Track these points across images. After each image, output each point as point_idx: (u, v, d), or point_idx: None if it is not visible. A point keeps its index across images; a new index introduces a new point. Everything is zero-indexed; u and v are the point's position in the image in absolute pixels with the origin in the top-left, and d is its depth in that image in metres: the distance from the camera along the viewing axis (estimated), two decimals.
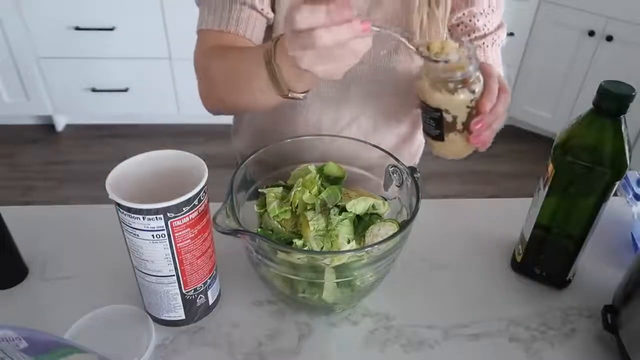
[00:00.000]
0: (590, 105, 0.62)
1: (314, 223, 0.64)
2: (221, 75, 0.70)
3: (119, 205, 0.55)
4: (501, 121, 0.70)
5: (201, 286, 0.64)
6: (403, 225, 0.62)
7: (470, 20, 0.83)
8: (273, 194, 0.69)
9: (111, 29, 2.31)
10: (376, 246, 0.59)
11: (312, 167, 0.71)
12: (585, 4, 2.26)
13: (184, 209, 0.56)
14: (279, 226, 0.66)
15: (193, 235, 0.59)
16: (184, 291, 0.62)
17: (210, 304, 0.67)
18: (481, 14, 0.82)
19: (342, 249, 0.63)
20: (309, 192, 0.67)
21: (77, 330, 0.64)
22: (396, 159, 0.70)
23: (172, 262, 0.59)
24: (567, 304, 0.72)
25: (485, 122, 0.67)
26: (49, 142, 2.60)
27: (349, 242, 0.64)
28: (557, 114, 2.55)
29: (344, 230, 0.64)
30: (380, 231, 0.64)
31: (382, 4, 0.79)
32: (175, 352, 0.63)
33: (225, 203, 0.60)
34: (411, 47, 0.59)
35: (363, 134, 0.90)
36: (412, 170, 0.68)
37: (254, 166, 0.70)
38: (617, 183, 0.63)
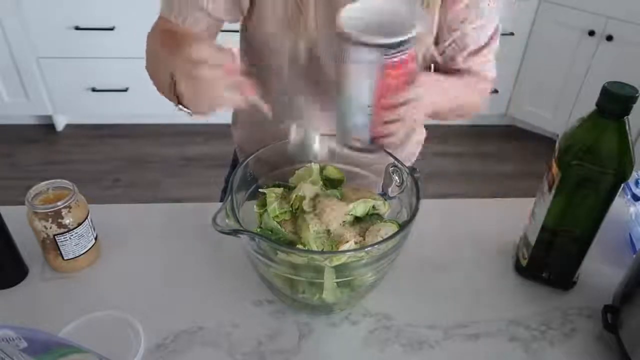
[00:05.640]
0: (592, 106, 0.62)
1: (314, 226, 0.64)
2: (149, 51, 0.82)
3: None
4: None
5: None
6: (403, 226, 0.62)
7: (462, 41, 0.80)
8: (274, 194, 0.68)
9: (111, 29, 2.31)
10: (376, 246, 0.59)
11: (315, 167, 0.71)
12: (585, 4, 2.26)
13: None
14: (279, 226, 0.66)
15: None
16: None
17: None
18: (474, 29, 0.79)
19: (341, 249, 0.63)
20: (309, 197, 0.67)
21: (67, 335, 0.63)
22: (396, 159, 0.70)
23: None
24: (567, 304, 0.72)
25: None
26: (49, 142, 2.59)
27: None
28: (557, 113, 2.55)
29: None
30: (381, 231, 0.64)
31: None
32: (175, 352, 0.63)
33: (225, 203, 0.60)
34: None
35: None
36: (412, 170, 0.68)
37: (254, 165, 0.70)
38: (623, 184, 0.63)
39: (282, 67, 0.84)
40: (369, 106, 0.65)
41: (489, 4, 0.77)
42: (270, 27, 0.79)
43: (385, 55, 0.62)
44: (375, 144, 0.70)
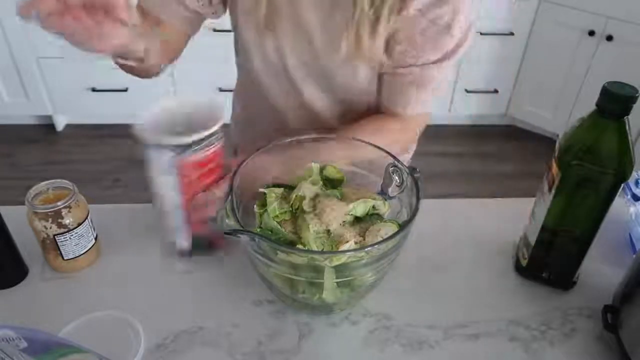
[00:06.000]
0: (592, 106, 0.62)
1: (314, 226, 0.64)
2: None
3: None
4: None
5: None
6: (403, 226, 0.62)
7: (394, 42, 0.76)
8: (274, 194, 0.68)
9: None
10: (376, 246, 0.59)
11: (315, 167, 0.71)
12: (585, 4, 2.26)
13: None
14: (279, 226, 0.66)
15: None
16: None
17: None
18: (409, 46, 0.75)
19: (341, 249, 0.63)
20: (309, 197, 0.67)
21: (67, 335, 0.63)
22: (396, 159, 0.70)
23: None
24: (567, 304, 0.72)
25: None
26: (49, 142, 2.59)
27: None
28: (557, 113, 2.55)
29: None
30: (381, 231, 0.64)
31: (340, 6, 0.76)
32: (175, 352, 0.63)
33: (225, 203, 0.60)
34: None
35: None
36: (412, 170, 0.68)
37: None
38: (623, 184, 0.63)
39: (258, 72, 0.86)
40: (178, 207, 0.65)
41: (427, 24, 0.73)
42: (239, 18, 0.81)
43: (182, 154, 0.62)
44: (209, 249, 0.71)
